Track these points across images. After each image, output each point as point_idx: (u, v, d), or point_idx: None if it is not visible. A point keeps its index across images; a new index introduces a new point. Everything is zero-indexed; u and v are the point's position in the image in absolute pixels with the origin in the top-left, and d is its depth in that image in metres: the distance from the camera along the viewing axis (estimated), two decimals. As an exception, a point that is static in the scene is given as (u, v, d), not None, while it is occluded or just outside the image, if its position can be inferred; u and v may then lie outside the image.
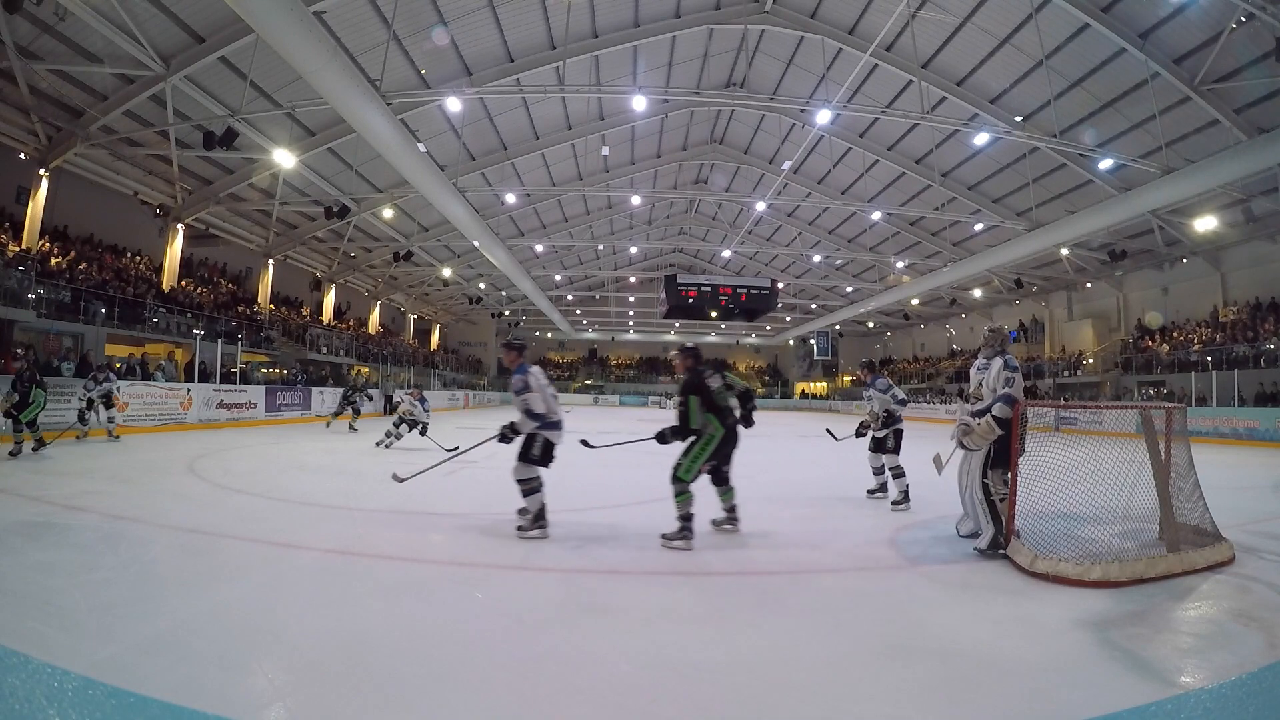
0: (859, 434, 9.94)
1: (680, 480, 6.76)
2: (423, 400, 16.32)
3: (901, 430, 9.39)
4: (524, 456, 6.95)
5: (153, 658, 3.56)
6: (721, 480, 7.28)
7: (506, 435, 7.04)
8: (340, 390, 24.08)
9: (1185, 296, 33.69)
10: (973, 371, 7.66)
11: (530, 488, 6.87)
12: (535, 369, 7.09)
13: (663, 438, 7.13)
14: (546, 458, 7.01)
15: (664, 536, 6.66)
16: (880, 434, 9.37)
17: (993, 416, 6.15)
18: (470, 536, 6.93)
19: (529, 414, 6.87)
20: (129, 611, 4.25)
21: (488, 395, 54.34)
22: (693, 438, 6.88)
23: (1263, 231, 27.62)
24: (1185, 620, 4.88)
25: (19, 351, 12.18)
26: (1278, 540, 7.24)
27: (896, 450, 9.25)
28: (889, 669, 3.81)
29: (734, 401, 7.22)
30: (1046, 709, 3.33)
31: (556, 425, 7.07)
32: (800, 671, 3.75)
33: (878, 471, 9.65)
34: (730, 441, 7.06)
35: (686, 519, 6.63)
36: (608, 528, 7.64)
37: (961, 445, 6.57)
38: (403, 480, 8.64)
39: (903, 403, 9.39)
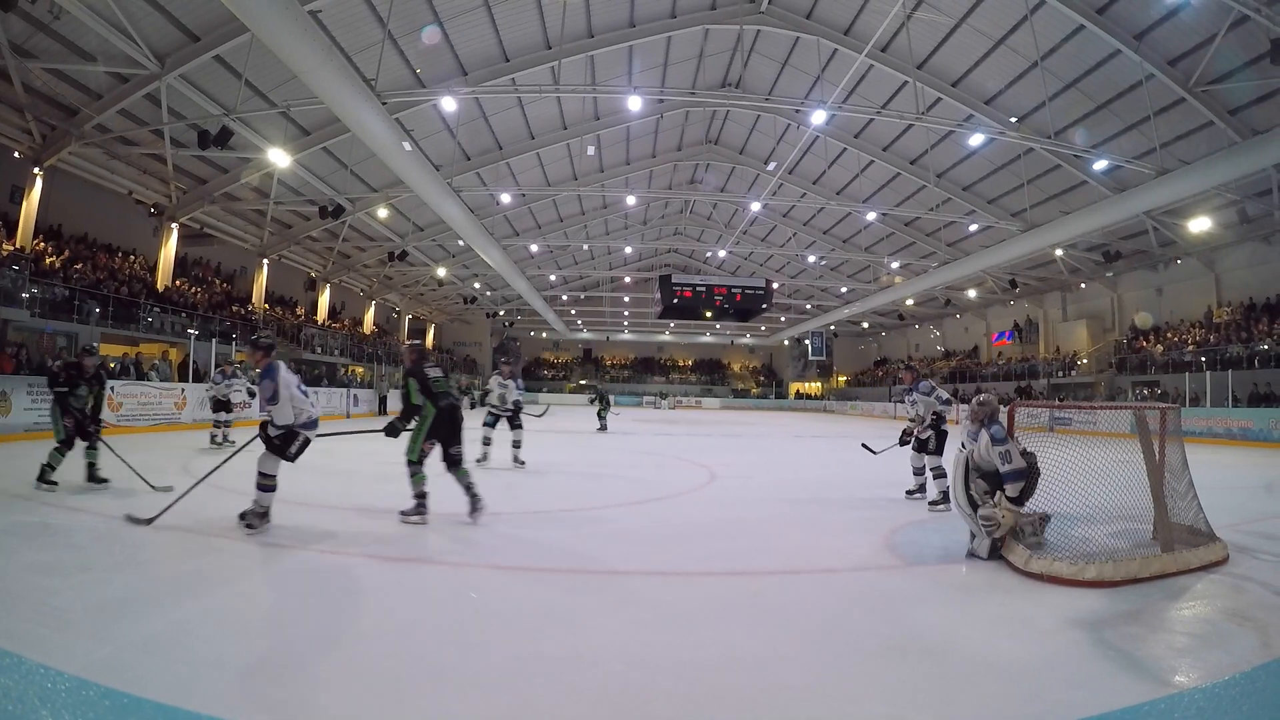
0: (903, 442, 9.98)
1: (411, 463, 7.37)
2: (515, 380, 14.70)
3: (946, 432, 9.45)
4: (278, 450, 6.91)
5: (148, 658, 3.56)
6: (454, 462, 7.57)
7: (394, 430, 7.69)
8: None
9: (1179, 297, 33.78)
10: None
11: (268, 484, 6.81)
12: (284, 371, 7.05)
13: (392, 430, 7.66)
14: (297, 454, 7.06)
15: (401, 513, 7.37)
16: (924, 435, 9.41)
17: (1008, 499, 6.08)
18: (465, 536, 6.93)
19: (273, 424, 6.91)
20: (124, 612, 4.25)
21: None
22: (414, 423, 7.50)
23: (1257, 233, 27.70)
24: (1180, 620, 4.90)
25: (91, 347, 11.34)
26: (1272, 540, 7.26)
27: (939, 451, 9.26)
28: (884, 668, 3.81)
29: (458, 393, 8.23)
30: (1041, 708, 3.34)
31: (312, 424, 7.14)
32: (795, 671, 3.75)
33: (918, 472, 9.68)
34: (445, 423, 7.55)
35: (421, 496, 7.36)
36: (601, 528, 7.65)
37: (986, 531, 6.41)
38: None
39: (947, 403, 9.41)
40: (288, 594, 4.89)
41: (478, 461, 12.53)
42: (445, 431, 7.52)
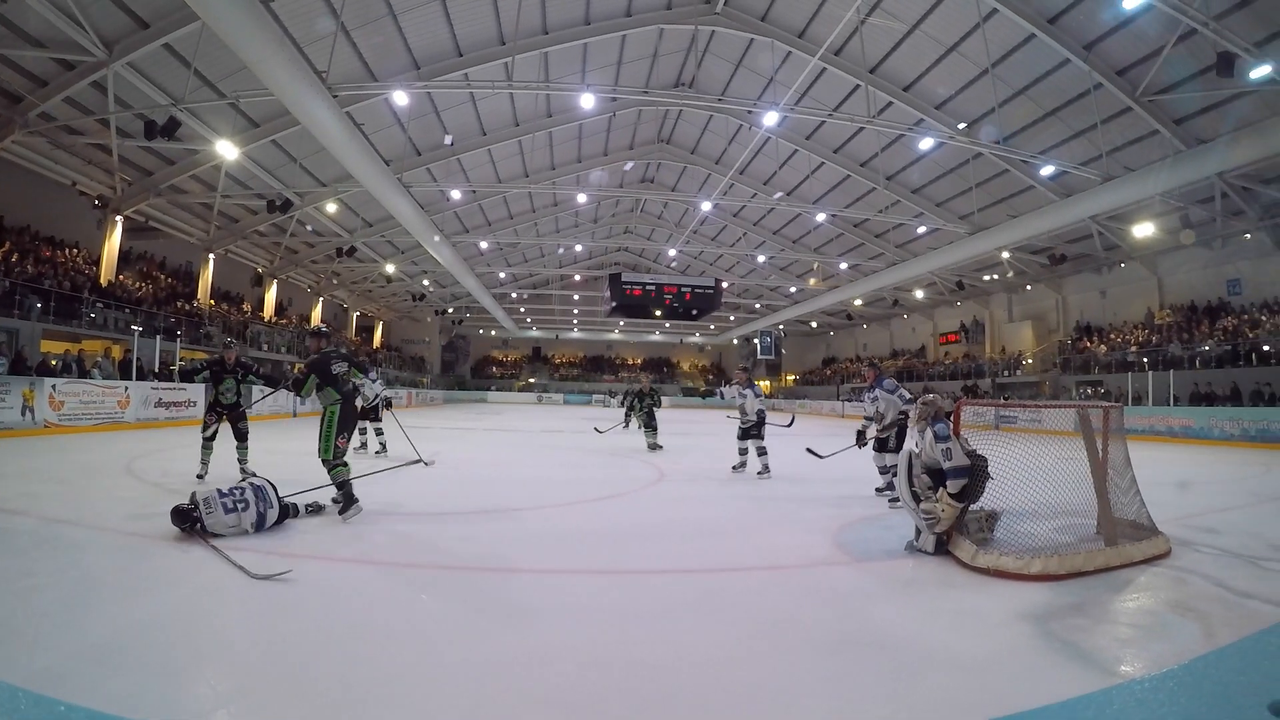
0: (860, 444, 10.06)
1: (327, 462, 7.35)
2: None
3: (906, 428, 9.21)
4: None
5: (93, 666, 3.44)
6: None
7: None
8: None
9: (1123, 299, 34.57)
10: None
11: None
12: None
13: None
14: None
15: (341, 514, 7.24)
16: (883, 435, 9.51)
17: (950, 495, 6.15)
18: (411, 536, 6.86)
19: None
20: (67, 618, 4.10)
21: (431, 394, 53.80)
22: (322, 420, 7.54)
23: (1198, 238, 28.31)
24: (1124, 611, 4.97)
25: (230, 341, 11.34)
26: (1212, 534, 7.40)
27: (898, 449, 9.03)
28: (834, 663, 3.83)
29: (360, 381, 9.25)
30: (990, 699, 3.36)
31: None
32: (745, 668, 3.75)
33: (884, 471, 9.74)
34: (352, 412, 7.88)
35: (345, 486, 7.35)
36: (550, 527, 7.62)
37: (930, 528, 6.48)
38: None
39: (910, 401, 9.42)
40: (234, 598, 4.77)
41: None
42: (352, 425, 7.86)
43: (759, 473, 11.76)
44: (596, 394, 66.83)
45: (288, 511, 6.94)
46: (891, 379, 9.92)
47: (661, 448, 16.68)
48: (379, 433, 14.25)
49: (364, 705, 3.16)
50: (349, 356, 8.03)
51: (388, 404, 14.72)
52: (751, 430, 12.14)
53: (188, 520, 6.17)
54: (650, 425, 17.53)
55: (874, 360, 11.14)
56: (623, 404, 26.35)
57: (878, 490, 9.78)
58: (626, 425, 21.90)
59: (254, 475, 8.15)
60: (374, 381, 13.74)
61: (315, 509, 7.38)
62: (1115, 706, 3.32)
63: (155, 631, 4.00)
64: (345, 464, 7.39)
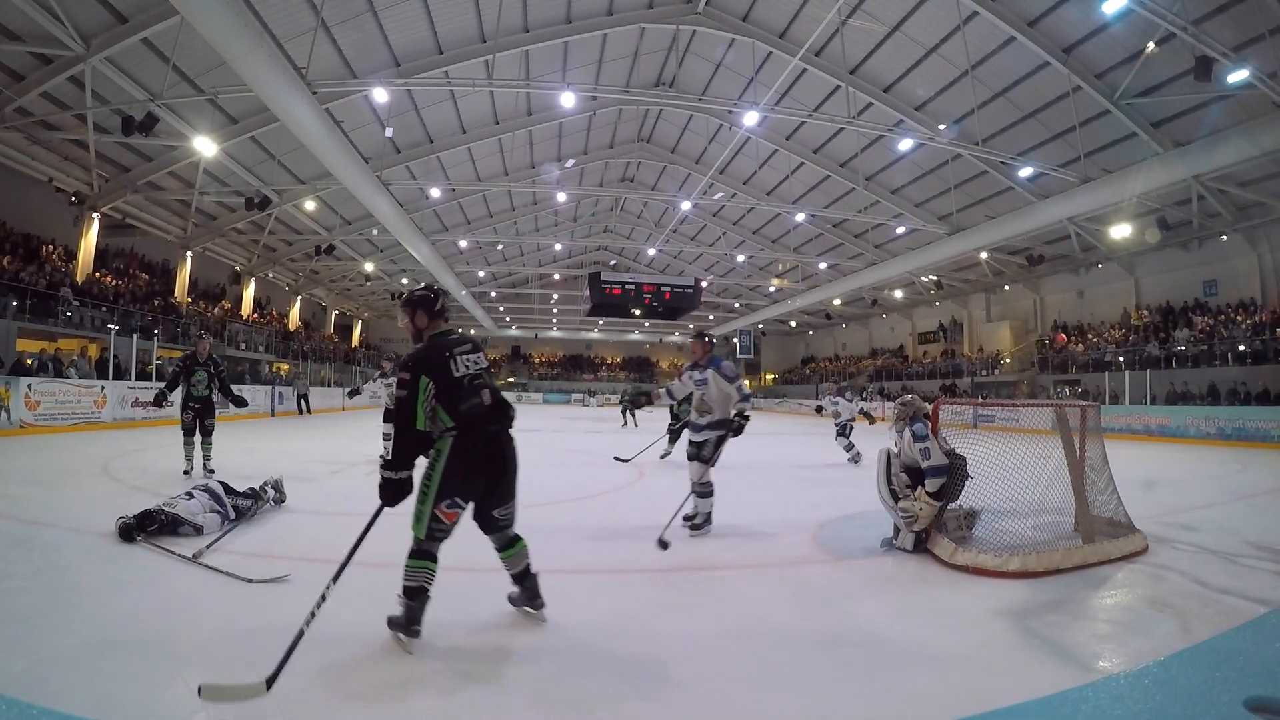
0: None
1: (419, 541, 5.17)
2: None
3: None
4: None
5: (70, 670, 3.40)
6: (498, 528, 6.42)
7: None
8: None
9: (1100, 300, 34.89)
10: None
11: None
12: None
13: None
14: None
15: (391, 625, 5.96)
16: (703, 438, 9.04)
17: (928, 494, 6.18)
18: (390, 536, 6.82)
19: None
20: (44, 622, 4.06)
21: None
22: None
23: (1175, 239, 28.58)
24: (1102, 608, 5.01)
25: (202, 333, 11.13)
26: (1189, 530, 7.47)
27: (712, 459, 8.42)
28: (813, 661, 3.83)
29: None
30: (970, 696, 3.37)
31: None
32: (724, 666, 3.75)
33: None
34: (482, 452, 6.34)
35: (414, 593, 5.35)
36: (529, 526, 7.58)
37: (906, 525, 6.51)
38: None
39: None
40: (213, 600, 4.73)
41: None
42: (478, 472, 4.26)
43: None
44: (576, 393, 66.78)
45: (241, 511, 6.88)
46: (729, 361, 7.70)
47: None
48: (386, 438, 12.71)
49: (344, 707, 3.14)
50: (480, 346, 4.69)
51: None
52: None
53: (152, 523, 6.13)
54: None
55: (703, 331, 7.92)
56: (620, 402, 26.73)
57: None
58: (625, 424, 22.20)
59: (211, 475, 8.13)
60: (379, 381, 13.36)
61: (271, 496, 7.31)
62: (1093, 702, 3.34)
63: (133, 634, 3.96)
64: (434, 558, 4.21)
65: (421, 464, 4.10)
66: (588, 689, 3.44)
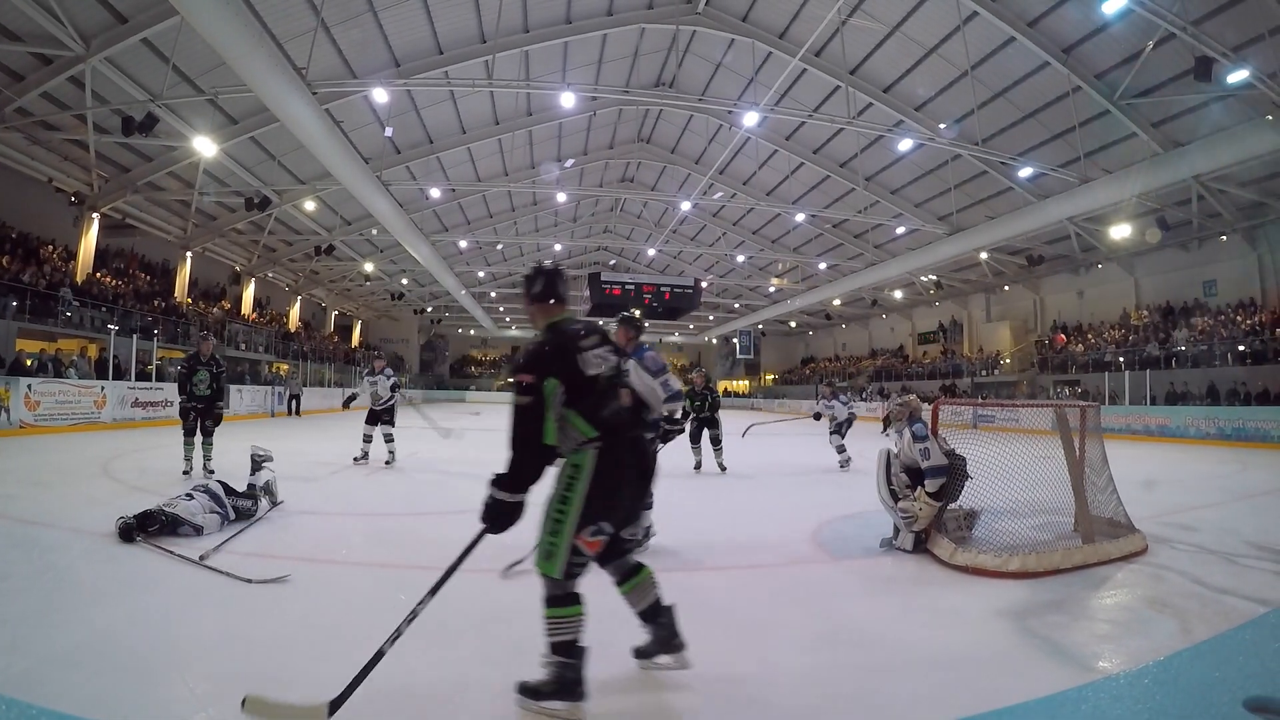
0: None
1: (550, 585, 4.54)
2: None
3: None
4: None
5: (70, 670, 3.40)
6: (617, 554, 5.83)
7: None
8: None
9: (1099, 300, 34.87)
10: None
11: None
12: None
13: None
14: None
15: (521, 690, 5.08)
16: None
17: (927, 494, 6.18)
18: (390, 536, 6.83)
19: None
20: (43, 622, 4.05)
21: (409, 393, 53.52)
22: (557, 483, 5.13)
23: (1175, 240, 28.57)
24: (1101, 608, 5.01)
25: (204, 333, 11.10)
26: (1189, 531, 7.47)
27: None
28: (813, 661, 3.83)
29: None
30: (969, 696, 3.37)
31: None
32: (724, 666, 3.74)
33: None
34: (622, 467, 5.66)
35: (564, 648, 3.81)
36: (525, 527, 7.58)
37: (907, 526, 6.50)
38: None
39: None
40: (212, 600, 4.72)
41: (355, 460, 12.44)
42: (628, 488, 3.53)
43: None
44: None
45: (241, 512, 6.88)
46: (654, 352, 6.11)
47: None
48: (389, 439, 12.82)
49: (343, 707, 3.14)
50: (609, 335, 3.73)
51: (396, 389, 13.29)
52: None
53: (152, 523, 6.12)
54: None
55: (629, 315, 6.29)
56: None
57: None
58: None
59: (211, 475, 8.13)
60: (389, 378, 13.20)
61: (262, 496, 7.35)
62: (1093, 702, 3.34)
63: (133, 634, 3.95)
64: (578, 599, 3.40)
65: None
66: (589, 688, 3.43)
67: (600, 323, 3.96)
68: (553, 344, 3.41)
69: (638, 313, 7.07)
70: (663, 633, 3.62)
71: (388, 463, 12.55)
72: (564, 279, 3.70)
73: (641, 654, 3.69)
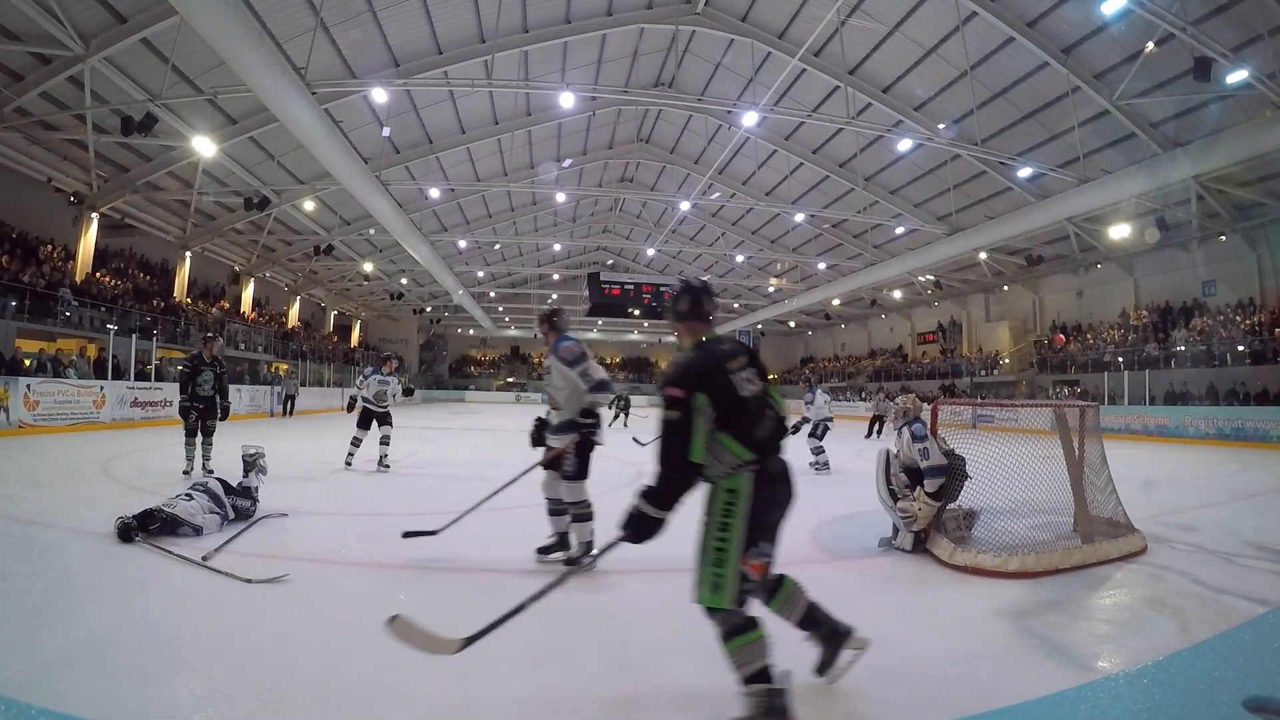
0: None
1: (718, 617, 3.57)
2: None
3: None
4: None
5: (69, 670, 3.39)
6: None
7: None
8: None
9: (1099, 300, 34.89)
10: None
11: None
12: None
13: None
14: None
15: None
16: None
17: (927, 494, 6.19)
18: (387, 536, 6.82)
19: None
20: (43, 622, 4.05)
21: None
22: (710, 510, 4.30)
23: (1174, 240, 28.58)
24: (1101, 608, 5.02)
25: (209, 335, 11.02)
26: (1188, 531, 7.48)
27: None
28: (812, 660, 3.83)
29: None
30: (968, 696, 3.38)
31: None
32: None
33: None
34: (771, 496, 4.98)
35: (758, 676, 3.54)
36: (525, 527, 7.59)
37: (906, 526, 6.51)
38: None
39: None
40: (212, 600, 4.73)
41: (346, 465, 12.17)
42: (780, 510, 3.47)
43: None
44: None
45: (240, 512, 6.87)
46: (572, 341, 5.98)
47: None
48: (385, 441, 12.29)
49: (340, 707, 3.14)
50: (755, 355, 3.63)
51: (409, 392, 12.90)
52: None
53: (153, 522, 6.12)
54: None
55: (548, 313, 6.23)
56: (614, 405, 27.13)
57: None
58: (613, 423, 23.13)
59: (211, 474, 8.13)
60: (389, 379, 12.77)
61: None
62: (1092, 702, 3.34)
63: (133, 634, 3.95)
64: (755, 623, 3.24)
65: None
66: (582, 689, 3.44)
67: (739, 340, 3.79)
68: (703, 361, 3.32)
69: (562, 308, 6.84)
70: (826, 630, 3.58)
71: (385, 467, 12.02)
72: (710, 294, 3.63)
73: (825, 666, 3.59)
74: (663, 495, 3.15)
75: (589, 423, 5.79)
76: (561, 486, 5.81)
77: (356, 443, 12.37)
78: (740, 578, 3.16)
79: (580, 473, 5.75)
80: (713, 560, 3.21)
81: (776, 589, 3.57)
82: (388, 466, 12.05)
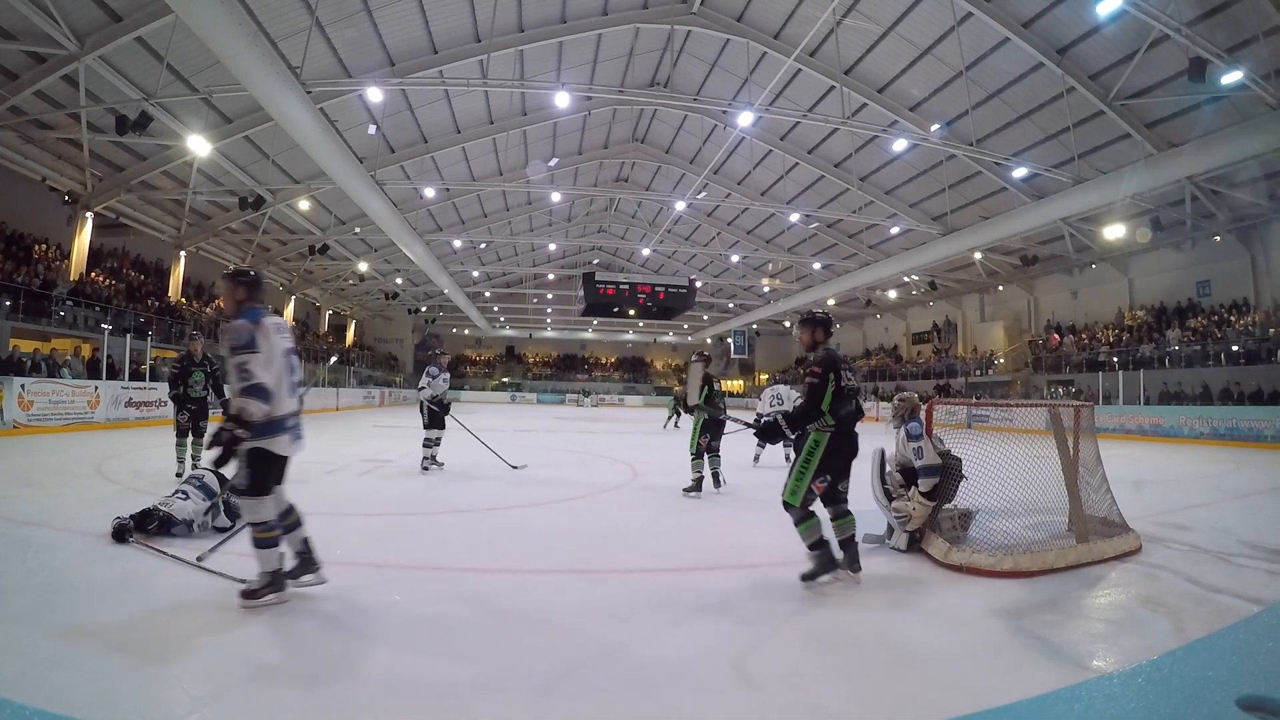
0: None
1: (792, 509, 5.36)
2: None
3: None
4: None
5: (64, 671, 3.38)
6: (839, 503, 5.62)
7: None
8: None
9: (1093, 300, 34.99)
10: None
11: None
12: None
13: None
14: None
15: (804, 577, 5.32)
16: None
17: (921, 494, 6.22)
18: (384, 537, 6.83)
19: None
20: (39, 623, 4.04)
21: (403, 393, 53.21)
22: (798, 449, 5.47)
23: (1168, 240, 28.68)
24: (1096, 607, 5.03)
25: (194, 333, 10.97)
26: (1183, 530, 7.50)
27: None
28: (808, 659, 3.84)
29: None
30: (964, 695, 3.37)
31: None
32: (716, 665, 3.74)
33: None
34: (847, 446, 5.47)
35: (817, 545, 5.34)
36: (524, 526, 7.60)
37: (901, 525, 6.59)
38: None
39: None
40: (207, 601, 4.70)
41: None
42: (845, 459, 5.36)
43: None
44: (570, 393, 66.83)
45: (235, 511, 6.78)
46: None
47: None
48: (433, 443, 12.46)
49: (336, 707, 3.14)
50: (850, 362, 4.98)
51: (446, 407, 13.06)
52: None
53: (150, 521, 6.11)
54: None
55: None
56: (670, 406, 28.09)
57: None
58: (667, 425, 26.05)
59: (205, 470, 8.12)
60: (440, 379, 12.99)
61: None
62: (1086, 701, 3.35)
63: (128, 634, 3.93)
64: (813, 515, 5.26)
65: None
66: (580, 689, 3.44)
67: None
68: (833, 358, 5.34)
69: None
70: (849, 557, 5.40)
71: (440, 465, 12.32)
72: (832, 320, 5.84)
73: (835, 565, 5.34)
74: (795, 419, 5.34)
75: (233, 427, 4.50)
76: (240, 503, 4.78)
77: (438, 441, 12.48)
78: (808, 491, 5.28)
79: (254, 487, 4.58)
80: (795, 477, 5.30)
81: (844, 515, 5.43)
82: (441, 464, 12.28)
